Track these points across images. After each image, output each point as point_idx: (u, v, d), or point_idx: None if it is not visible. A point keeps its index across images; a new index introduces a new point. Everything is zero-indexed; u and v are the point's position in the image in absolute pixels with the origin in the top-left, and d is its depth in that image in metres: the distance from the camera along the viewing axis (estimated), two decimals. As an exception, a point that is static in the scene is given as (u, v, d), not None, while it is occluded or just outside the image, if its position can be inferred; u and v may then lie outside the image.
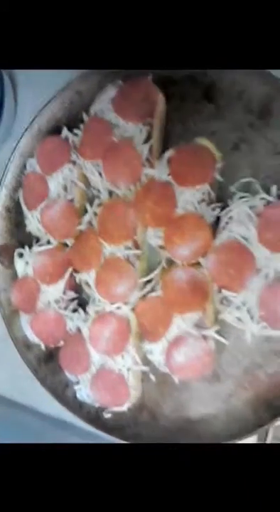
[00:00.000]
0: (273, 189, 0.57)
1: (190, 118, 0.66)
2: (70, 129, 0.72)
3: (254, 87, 0.61)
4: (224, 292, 0.58)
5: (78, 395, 0.70)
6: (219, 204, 0.61)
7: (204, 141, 0.61)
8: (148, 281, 0.66)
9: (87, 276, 0.68)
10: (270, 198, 0.56)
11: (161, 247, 0.63)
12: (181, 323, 0.60)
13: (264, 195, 0.56)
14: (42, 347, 0.75)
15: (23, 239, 0.79)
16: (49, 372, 0.77)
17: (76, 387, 0.70)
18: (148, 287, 0.65)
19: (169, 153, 0.62)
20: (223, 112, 0.64)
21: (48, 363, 0.77)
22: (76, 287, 0.73)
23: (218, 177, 0.61)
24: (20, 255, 0.76)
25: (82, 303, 0.73)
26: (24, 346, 0.79)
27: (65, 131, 0.72)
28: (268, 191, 0.58)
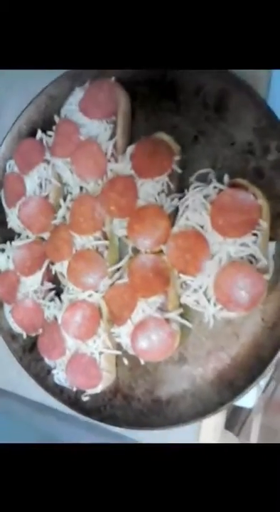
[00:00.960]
0: (226, 178, 0.60)
1: (153, 115, 0.70)
2: (45, 131, 0.77)
3: (210, 84, 0.64)
4: (183, 277, 0.62)
5: (56, 379, 0.74)
6: (178, 194, 0.65)
7: (162, 135, 0.65)
8: (117, 270, 0.70)
9: (61, 267, 0.73)
10: (222, 187, 0.59)
11: (127, 237, 0.67)
12: (145, 307, 0.64)
13: (217, 184, 0.60)
14: (25, 336, 0.80)
15: (6, 235, 0.84)
16: (32, 359, 0.82)
17: (53, 372, 0.75)
18: (117, 275, 0.69)
19: (131, 148, 0.66)
20: (183, 107, 0.67)
21: (32, 352, 0.82)
22: (53, 278, 0.77)
23: (176, 169, 0.64)
24: (2, 250, 0.81)
25: (59, 293, 0.77)
26: (9, 336, 0.85)
27: (39, 133, 0.77)
28: (221, 180, 0.61)
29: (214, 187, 0.60)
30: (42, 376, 0.80)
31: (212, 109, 0.65)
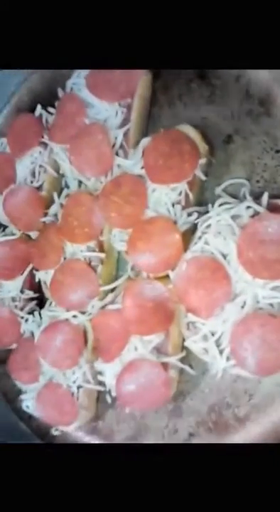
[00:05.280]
0: (264, 197, 0.45)
1: (178, 100, 0.56)
2: (46, 107, 0.63)
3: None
4: (191, 317, 0.48)
5: (24, 406, 0.63)
6: (198, 208, 0.51)
7: (187, 129, 0.50)
8: (112, 290, 0.57)
9: (46, 276, 0.60)
10: (258, 208, 0.45)
11: (126, 253, 0.53)
12: (139, 345, 0.51)
13: (252, 204, 0.45)
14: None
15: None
16: (4, 374, 0.70)
17: (23, 397, 0.63)
18: (110, 297, 0.56)
19: (145, 141, 0.52)
20: (218, 94, 0.53)
21: (5, 364, 0.71)
22: (36, 287, 0.65)
23: (200, 175, 0.50)
24: (-18, 243, 0.68)
25: (42, 305, 0.65)
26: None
27: (38, 109, 0.63)
28: (258, 198, 0.46)
29: (248, 207, 0.45)
30: (11, 395, 0.68)
31: (256, 101, 0.50)
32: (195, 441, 0.54)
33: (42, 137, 0.62)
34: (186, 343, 0.50)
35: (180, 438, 0.55)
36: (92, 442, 0.61)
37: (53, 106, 0.63)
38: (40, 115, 0.63)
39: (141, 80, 0.54)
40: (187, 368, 0.53)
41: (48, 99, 0.66)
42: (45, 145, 0.62)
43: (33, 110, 0.66)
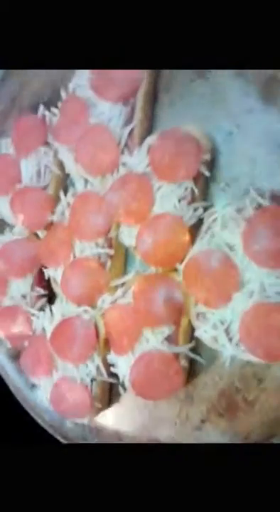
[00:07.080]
0: (267, 190, 0.47)
1: (180, 99, 0.57)
2: (49, 108, 0.64)
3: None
4: (201, 307, 0.50)
5: (38, 400, 0.64)
6: (204, 203, 0.52)
7: (191, 128, 0.52)
8: (121, 285, 0.59)
9: (55, 273, 0.62)
10: (262, 201, 0.47)
11: (135, 249, 0.55)
12: (151, 336, 0.53)
13: (255, 197, 0.47)
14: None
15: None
16: (18, 370, 0.72)
17: (37, 392, 0.64)
18: (120, 292, 0.58)
19: (150, 139, 0.53)
20: (219, 92, 0.54)
21: (16, 361, 0.72)
22: (45, 284, 0.66)
23: (204, 171, 0.52)
24: (-9, 243, 0.70)
25: (52, 300, 0.66)
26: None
27: (41, 109, 0.64)
28: (262, 192, 0.48)
29: (252, 200, 0.47)
30: (25, 392, 0.70)
31: (256, 98, 0.52)
32: (206, 426, 0.57)
33: (47, 138, 0.63)
34: (196, 333, 0.52)
35: (192, 425, 0.57)
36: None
37: (56, 107, 0.64)
38: (44, 116, 0.64)
39: (144, 79, 0.56)
40: (197, 357, 0.55)
41: (50, 100, 0.67)
42: (49, 146, 0.63)
43: (35, 111, 0.68)
